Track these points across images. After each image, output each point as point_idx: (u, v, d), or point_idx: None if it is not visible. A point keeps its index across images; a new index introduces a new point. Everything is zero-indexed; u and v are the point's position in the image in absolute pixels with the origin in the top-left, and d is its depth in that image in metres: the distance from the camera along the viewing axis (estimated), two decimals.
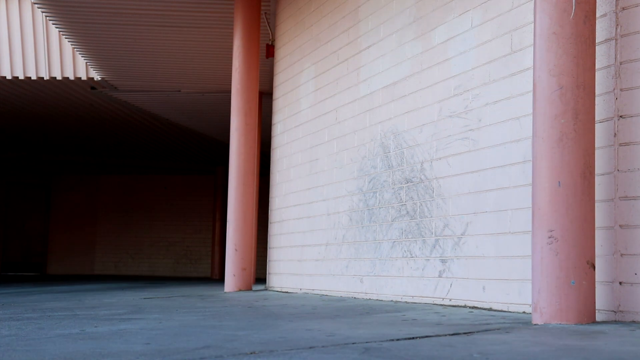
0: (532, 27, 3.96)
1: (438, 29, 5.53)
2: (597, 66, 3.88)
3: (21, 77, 11.71)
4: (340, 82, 7.14)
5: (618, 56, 3.88)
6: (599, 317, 3.80)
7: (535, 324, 3.66)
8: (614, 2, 3.92)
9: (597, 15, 3.92)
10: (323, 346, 2.87)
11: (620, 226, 3.79)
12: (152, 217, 22.31)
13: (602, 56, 3.94)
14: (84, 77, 11.87)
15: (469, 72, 5.12)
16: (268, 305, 5.64)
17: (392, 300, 5.85)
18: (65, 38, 10.83)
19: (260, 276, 10.57)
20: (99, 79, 12.01)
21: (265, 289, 8.57)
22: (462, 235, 5.10)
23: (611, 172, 3.86)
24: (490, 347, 2.82)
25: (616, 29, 3.90)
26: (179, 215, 22.22)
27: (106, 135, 17.09)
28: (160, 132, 16.63)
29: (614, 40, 3.90)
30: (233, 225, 8.42)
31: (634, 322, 3.67)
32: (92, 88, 12.72)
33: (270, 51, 9.32)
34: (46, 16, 10.16)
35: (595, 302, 3.70)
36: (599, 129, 3.89)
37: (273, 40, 9.34)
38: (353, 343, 2.97)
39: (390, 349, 2.79)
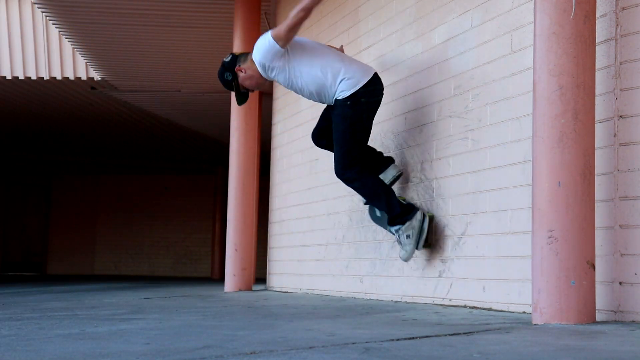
0: (532, 27, 3.96)
1: (438, 29, 5.53)
2: (597, 66, 3.88)
3: (21, 77, 11.71)
4: None
5: (618, 56, 3.88)
6: (599, 317, 3.80)
7: (535, 324, 3.66)
8: (614, 2, 3.92)
9: (597, 15, 3.92)
10: (323, 346, 2.87)
11: (620, 226, 3.79)
12: (152, 217, 22.31)
13: (602, 56, 3.94)
14: (84, 77, 11.87)
15: (469, 72, 5.12)
16: (268, 305, 5.64)
17: (392, 300, 5.85)
18: (65, 38, 10.83)
19: (260, 276, 10.58)
20: (99, 79, 12.00)
21: (265, 289, 8.57)
22: (462, 235, 5.10)
23: (611, 172, 3.86)
24: (490, 347, 2.82)
25: (616, 29, 3.90)
26: (179, 215, 22.23)
27: (106, 135, 17.09)
28: (160, 132, 16.63)
29: (614, 40, 3.90)
30: (233, 225, 8.42)
31: (634, 322, 3.67)
32: (92, 88, 12.72)
33: None
34: (46, 16, 10.17)
35: (595, 302, 3.70)
36: (599, 129, 3.89)
37: None
38: (353, 343, 2.97)
39: (390, 349, 2.79)
